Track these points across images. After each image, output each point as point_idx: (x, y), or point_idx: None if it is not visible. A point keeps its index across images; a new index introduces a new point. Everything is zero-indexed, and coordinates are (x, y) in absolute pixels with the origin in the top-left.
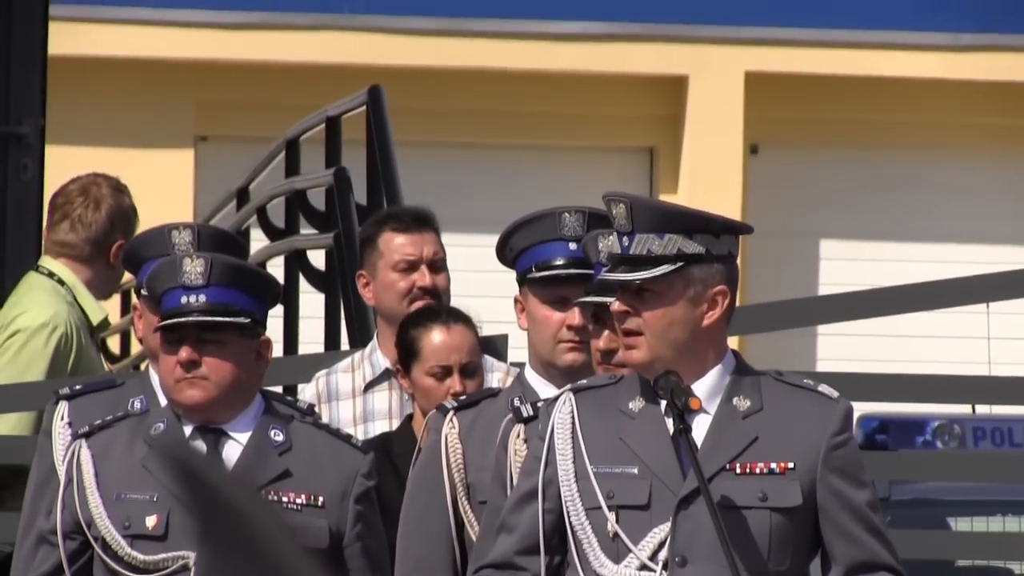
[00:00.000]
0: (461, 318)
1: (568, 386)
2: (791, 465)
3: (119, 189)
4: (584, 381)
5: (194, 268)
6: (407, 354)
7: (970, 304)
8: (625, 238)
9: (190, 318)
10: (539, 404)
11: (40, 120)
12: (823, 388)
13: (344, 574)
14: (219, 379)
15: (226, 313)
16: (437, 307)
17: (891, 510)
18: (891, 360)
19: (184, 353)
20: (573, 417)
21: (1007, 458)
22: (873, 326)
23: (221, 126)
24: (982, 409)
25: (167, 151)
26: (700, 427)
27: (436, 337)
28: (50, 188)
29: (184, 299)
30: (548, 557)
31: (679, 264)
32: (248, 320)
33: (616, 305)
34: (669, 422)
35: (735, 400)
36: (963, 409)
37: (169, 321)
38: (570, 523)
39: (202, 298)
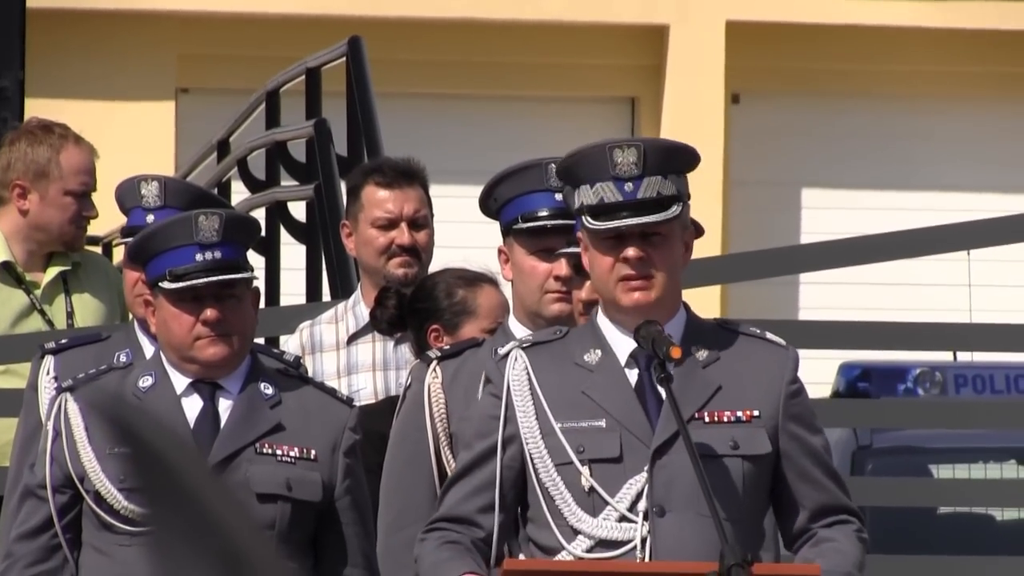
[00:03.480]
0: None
1: (513, 342)
2: (756, 413)
3: (37, 136)
4: (529, 336)
5: (210, 225)
6: (457, 313)
7: (951, 252)
8: (629, 184)
9: (216, 277)
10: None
11: (19, 73)
12: (771, 336)
13: (336, 526)
14: (242, 334)
15: (238, 268)
16: (470, 269)
17: (873, 458)
18: (873, 308)
19: (210, 313)
20: (528, 373)
21: (988, 405)
22: (854, 274)
23: (202, 78)
24: (963, 356)
25: (148, 103)
26: None
27: (491, 295)
28: None
29: (199, 256)
30: (503, 515)
31: (681, 205)
32: (253, 272)
33: (633, 252)
34: (631, 373)
35: (692, 349)
36: (945, 356)
37: (199, 281)
38: (538, 480)
39: (217, 254)
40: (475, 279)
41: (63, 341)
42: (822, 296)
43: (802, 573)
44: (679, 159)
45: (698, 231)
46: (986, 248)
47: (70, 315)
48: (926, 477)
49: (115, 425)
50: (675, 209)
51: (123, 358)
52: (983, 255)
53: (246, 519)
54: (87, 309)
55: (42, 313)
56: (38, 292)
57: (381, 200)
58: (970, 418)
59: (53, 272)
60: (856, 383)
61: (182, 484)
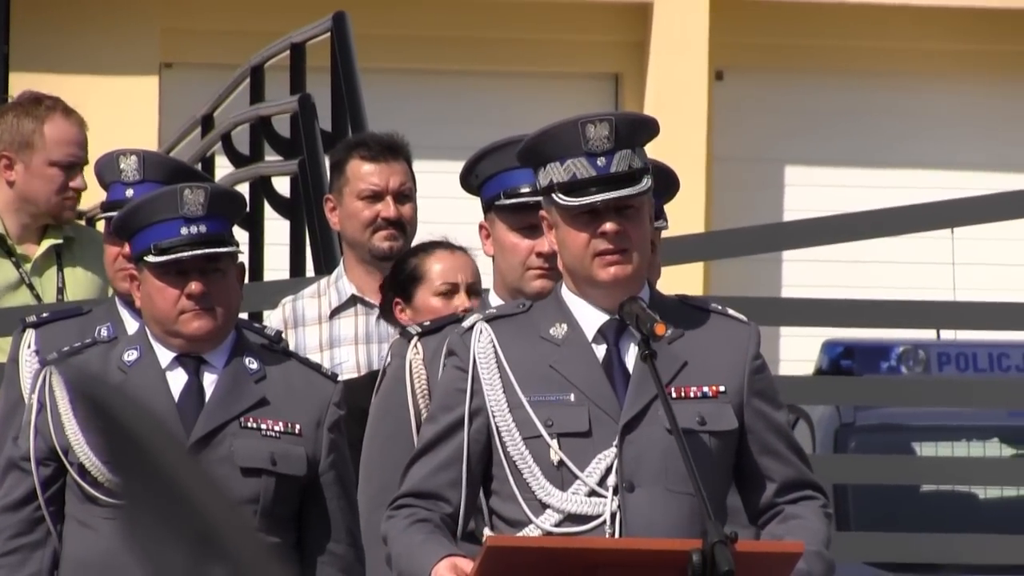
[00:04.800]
0: (461, 247)
1: (477, 316)
2: (722, 388)
3: (25, 107)
4: (493, 309)
5: (195, 199)
6: (409, 281)
7: (935, 229)
8: (602, 158)
9: (201, 250)
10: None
11: (3, 47)
12: (732, 312)
13: (320, 501)
14: (225, 308)
15: (223, 242)
16: (435, 240)
17: (856, 435)
18: (856, 286)
19: (194, 286)
20: (494, 346)
21: (971, 383)
22: (838, 252)
23: (186, 53)
24: (947, 334)
25: (132, 78)
26: (629, 352)
27: (442, 258)
28: None
29: (185, 230)
30: (470, 489)
31: (650, 176)
32: (238, 247)
33: (611, 226)
34: (599, 349)
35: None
36: (928, 334)
37: (185, 254)
38: (506, 454)
39: (203, 228)
40: (429, 246)
41: (44, 315)
42: (805, 273)
43: (785, 550)
44: (645, 131)
45: (674, 182)
46: (970, 226)
47: (60, 290)
48: (909, 455)
49: (91, 404)
50: (647, 181)
51: (104, 332)
52: (967, 233)
53: (223, 500)
54: (79, 284)
55: (31, 287)
56: (28, 266)
57: (366, 173)
58: (953, 396)
59: (46, 245)
60: (839, 361)
61: (157, 465)
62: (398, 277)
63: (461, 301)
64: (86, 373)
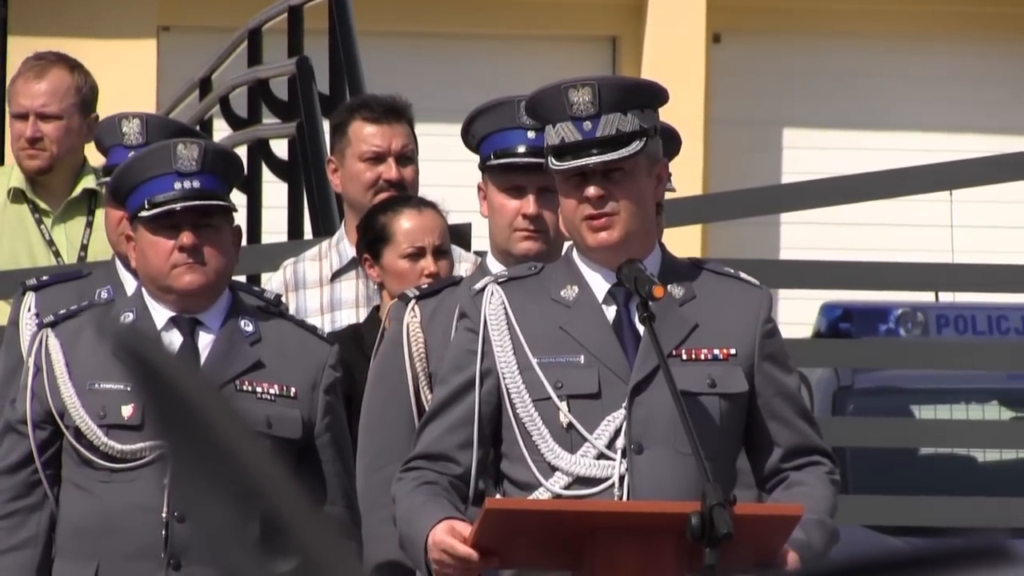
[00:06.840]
0: (430, 203)
1: (488, 277)
2: (733, 351)
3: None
4: (505, 271)
5: (189, 154)
6: (376, 240)
7: (933, 192)
8: (587, 122)
9: (193, 202)
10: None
11: (2, 10)
12: (744, 275)
13: (316, 464)
14: (217, 264)
15: (216, 198)
16: (404, 195)
17: (854, 398)
18: (854, 248)
19: (186, 238)
20: (505, 308)
21: (970, 346)
22: (836, 214)
23: (184, 16)
24: (945, 297)
25: (130, 41)
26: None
27: (408, 220)
28: None
29: (178, 184)
30: (481, 450)
31: (644, 140)
32: (233, 205)
33: (593, 190)
34: (609, 310)
35: (669, 287)
36: (926, 297)
37: (177, 205)
38: (515, 415)
39: (196, 183)
40: (398, 203)
41: (44, 278)
42: (803, 236)
43: (784, 513)
44: (638, 95)
45: (677, 142)
46: (969, 188)
47: (84, 247)
48: (907, 417)
49: (130, 355)
50: (635, 145)
51: (104, 295)
52: (965, 195)
53: (258, 445)
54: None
55: (50, 243)
56: (49, 221)
57: (369, 135)
58: (952, 359)
59: (78, 191)
60: (838, 323)
61: (201, 415)
62: (367, 233)
63: (427, 264)
64: (127, 327)
